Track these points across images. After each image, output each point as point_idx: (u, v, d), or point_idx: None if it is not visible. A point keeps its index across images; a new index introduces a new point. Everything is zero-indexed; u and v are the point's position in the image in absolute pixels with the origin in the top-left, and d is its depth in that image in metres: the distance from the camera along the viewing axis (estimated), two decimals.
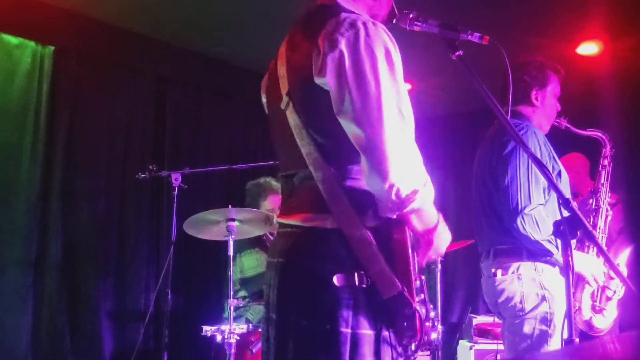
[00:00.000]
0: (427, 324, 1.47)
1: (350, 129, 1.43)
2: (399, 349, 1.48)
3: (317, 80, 1.48)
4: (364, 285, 1.42)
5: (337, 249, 1.45)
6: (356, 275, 1.42)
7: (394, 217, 1.46)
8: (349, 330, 1.43)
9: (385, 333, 1.46)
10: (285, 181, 1.63)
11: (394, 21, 1.72)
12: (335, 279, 1.43)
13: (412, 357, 1.54)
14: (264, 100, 1.77)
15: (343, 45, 1.44)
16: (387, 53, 1.46)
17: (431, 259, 1.61)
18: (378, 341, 1.45)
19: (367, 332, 1.44)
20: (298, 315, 1.47)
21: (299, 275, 1.49)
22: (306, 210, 1.52)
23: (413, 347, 1.51)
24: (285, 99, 1.56)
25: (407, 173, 1.40)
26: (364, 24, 1.47)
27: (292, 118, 1.54)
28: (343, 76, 1.44)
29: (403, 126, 1.43)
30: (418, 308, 1.44)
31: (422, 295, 1.56)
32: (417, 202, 1.42)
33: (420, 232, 1.53)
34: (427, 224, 1.52)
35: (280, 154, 1.67)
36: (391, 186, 1.39)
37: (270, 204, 3.96)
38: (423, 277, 1.63)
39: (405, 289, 1.41)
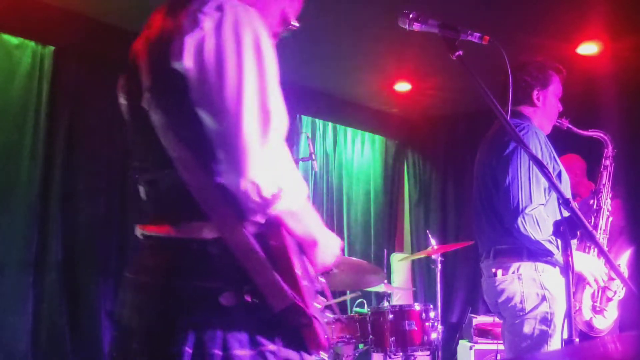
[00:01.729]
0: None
1: (207, 121, 1.28)
2: None
3: (176, 65, 1.29)
4: (253, 301, 1.28)
5: (220, 262, 1.29)
6: (244, 290, 1.28)
7: (263, 220, 1.31)
8: (246, 352, 1.29)
9: (272, 347, 1.31)
10: (149, 187, 1.45)
11: (290, 27, 1.60)
12: (223, 299, 1.27)
13: (412, 357, 1.52)
14: (122, 102, 1.51)
15: (206, 25, 1.28)
16: (256, 41, 1.29)
17: (326, 263, 1.51)
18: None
19: (243, 352, 1.29)
20: (179, 344, 1.26)
21: (180, 298, 1.29)
22: (178, 219, 1.34)
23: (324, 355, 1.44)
24: (147, 95, 1.37)
25: (268, 170, 1.26)
26: (234, 6, 1.31)
27: (157, 117, 1.35)
28: (202, 61, 1.27)
29: (267, 121, 1.27)
30: (317, 315, 1.34)
31: (323, 300, 1.51)
32: (283, 201, 1.29)
33: (299, 235, 1.41)
34: (306, 226, 1.40)
35: (141, 157, 1.46)
36: (250, 184, 1.25)
37: None
38: (323, 281, 1.59)
39: (297, 298, 1.29)
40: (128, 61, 1.47)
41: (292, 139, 5.41)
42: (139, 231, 1.43)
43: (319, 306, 1.45)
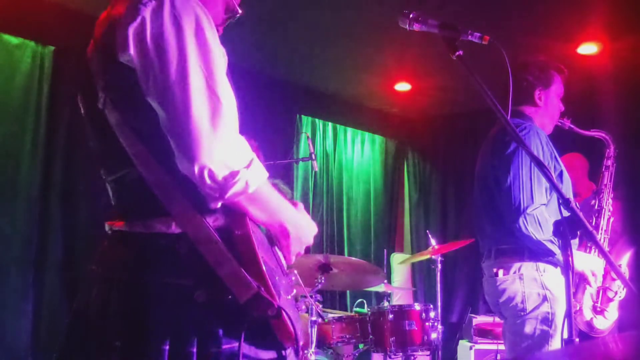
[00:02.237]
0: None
1: (158, 110, 1.27)
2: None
3: (122, 58, 1.29)
4: (224, 296, 1.26)
5: (186, 257, 1.29)
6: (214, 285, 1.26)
7: (219, 206, 1.29)
8: (219, 350, 1.28)
9: (245, 345, 1.30)
10: (114, 186, 1.44)
11: (237, 16, 1.60)
12: (197, 294, 1.27)
13: (412, 357, 1.52)
14: (82, 112, 1.54)
15: (145, 14, 1.28)
16: (198, 25, 1.29)
17: (299, 252, 1.48)
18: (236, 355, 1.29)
19: (217, 350, 1.28)
20: (157, 340, 1.26)
21: (152, 295, 1.28)
22: (145, 214, 1.33)
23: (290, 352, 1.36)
24: (101, 95, 1.37)
25: (220, 153, 1.24)
26: None
27: (113, 116, 1.35)
28: (145, 50, 1.27)
29: (215, 104, 1.26)
30: (285, 306, 1.29)
31: (294, 292, 1.47)
32: (239, 184, 1.26)
33: (266, 222, 1.39)
34: (271, 211, 1.38)
35: (104, 158, 1.46)
36: (202, 168, 1.23)
37: None
38: (295, 273, 1.54)
39: (262, 288, 1.25)
40: (81, 71, 1.48)
41: (292, 138, 5.41)
42: (107, 226, 1.42)
43: (289, 297, 1.41)
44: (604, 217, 2.93)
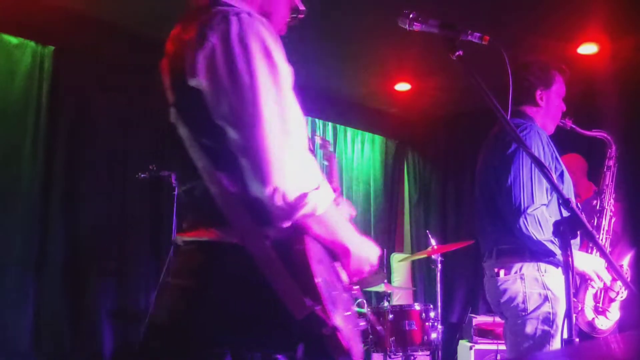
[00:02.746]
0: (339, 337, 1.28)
1: (229, 132, 1.31)
2: None
3: (192, 82, 1.35)
4: (278, 309, 1.27)
5: (243, 270, 1.31)
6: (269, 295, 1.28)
7: (288, 225, 1.32)
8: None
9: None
10: (186, 196, 1.48)
11: (301, 17, 1.62)
12: (251, 307, 1.31)
13: (412, 357, 1.52)
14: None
15: (214, 40, 1.32)
16: (264, 47, 1.32)
17: (362, 272, 1.49)
18: None
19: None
20: (218, 348, 1.33)
21: (212, 302, 1.34)
22: (208, 225, 1.38)
23: None
24: (172, 110, 1.45)
25: (291, 175, 1.28)
26: (237, 15, 1.34)
27: (183, 130, 1.42)
28: (215, 74, 1.32)
29: (286, 127, 1.30)
30: (339, 325, 1.28)
31: (354, 309, 1.49)
32: (308, 206, 1.30)
33: (328, 240, 1.40)
34: (334, 231, 1.40)
35: (178, 167, 1.54)
36: (274, 190, 1.27)
37: None
38: (355, 288, 1.56)
39: (318, 307, 1.26)
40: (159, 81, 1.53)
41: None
42: (178, 239, 1.47)
43: (349, 313, 1.43)
44: (605, 218, 2.93)
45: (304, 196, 1.29)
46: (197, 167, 1.37)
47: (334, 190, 1.59)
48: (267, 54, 1.32)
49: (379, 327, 3.61)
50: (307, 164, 1.33)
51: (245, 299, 1.32)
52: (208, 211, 1.37)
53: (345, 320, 1.36)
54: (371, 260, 1.50)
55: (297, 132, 1.32)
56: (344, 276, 1.49)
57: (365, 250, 1.48)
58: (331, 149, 2.09)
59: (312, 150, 1.84)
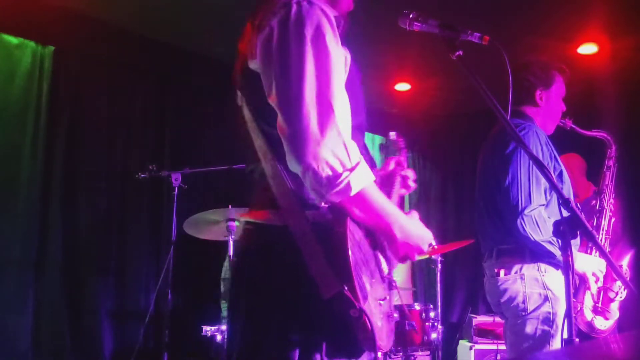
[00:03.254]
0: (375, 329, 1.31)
1: (277, 112, 1.38)
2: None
3: (252, 65, 1.43)
4: (311, 289, 1.31)
5: (283, 248, 1.37)
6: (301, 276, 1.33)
7: (326, 205, 1.36)
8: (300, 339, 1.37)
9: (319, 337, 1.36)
10: (250, 177, 1.55)
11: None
12: (282, 281, 1.37)
13: (412, 357, 1.52)
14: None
15: (273, 25, 1.39)
16: (318, 33, 1.38)
17: (411, 257, 1.47)
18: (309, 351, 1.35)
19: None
20: (250, 318, 1.42)
21: (247, 278, 1.44)
22: (261, 206, 1.45)
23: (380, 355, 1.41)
24: (239, 94, 1.55)
25: (325, 155, 1.31)
26: (298, 2, 1.40)
27: (246, 112, 1.51)
28: (269, 57, 1.38)
29: (327, 111, 1.34)
30: (368, 309, 1.30)
31: (390, 299, 1.47)
32: (341, 186, 1.31)
33: (370, 224, 1.41)
34: (375, 214, 1.39)
35: (245, 150, 1.58)
36: (306, 168, 1.31)
37: None
38: (391, 276, 1.53)
39: (347, 288, 1.28)
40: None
41: None
42: (241, 219, 1.57)
43: (382, 302, 1.42)
44: (605, 218, 2.93)
45: (337, 176, 1.31)
46: (256, 149, 1.45)
47: (407, 189, 1.74)
48: (321, 40, 1.37)
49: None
50: (342, 147, 1.34)
51: (284, 280, 1.37)
52: (263, 193, 1.44)
53: (376, 308, 1.37)
54: (421, 245, 1.47)
55: (335, 117, 1.34)
56: (384, 265, 1.49)
57: (414, 235, 1.45)
58: (402, 145, 2.07)
59: (386, 148, 1.89)
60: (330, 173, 1.31)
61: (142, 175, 3.77)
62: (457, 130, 6.43)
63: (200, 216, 3.38)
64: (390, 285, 1.52)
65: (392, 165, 1.92)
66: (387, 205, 1.42)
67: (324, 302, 1.29)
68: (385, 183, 1.83)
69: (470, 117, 6.06)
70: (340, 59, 1.41)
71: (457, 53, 1.61)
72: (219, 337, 3.23)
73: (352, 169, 1.33)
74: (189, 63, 4.96)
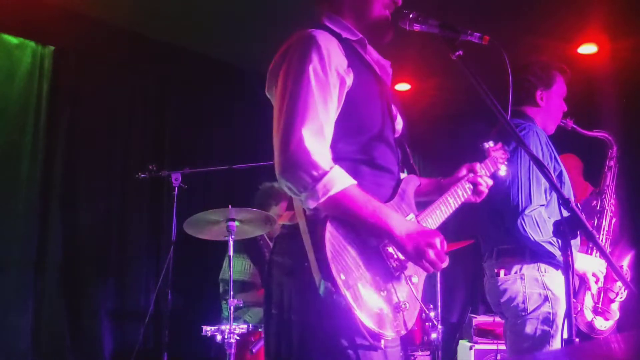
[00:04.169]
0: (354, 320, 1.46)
1: None
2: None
3: (267, 94, 1.69)
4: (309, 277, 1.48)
5: (298, 245, 1.54)
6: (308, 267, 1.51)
7: (314, 206, 1.52)
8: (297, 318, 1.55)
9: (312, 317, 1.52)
10: None
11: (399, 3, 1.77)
12: (297, 274, 1.54)
13: (412, 357, 1.55)
14: None
15: (277, 57, 1.62)
16: (303, 67, 1.54)
17: (424, 253, 1.52)
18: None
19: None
20: (272, 306, 1.62)
21: (275, 272, 1.64)
22: (288, 209, 1.67)
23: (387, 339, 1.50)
24: None
25: (294, 168, 1.49)
26: (303, 39, 1.58)
27: None
28: (273, 85, 1.63)
29: (294, 132, 1.50)
30: (353, 295, 1.45)
31: (392, 289, 1.56)
32: (311, 193, 1.49)
33: (361, 224, 1.52)
34: (356, 214, 1.51)
35: None
36: (284, 182, 1.52)
37: (279, 210, 3.97)
38: (407, 274, 1.60)
39: (325, 277, 1.45)
40: None
41: None
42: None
43: (383, 292, 1.53)
44: (606, 218, 2.92)
45: (305, 185, 1.49)
46: None
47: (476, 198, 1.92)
48: (304, 73, 1.54)
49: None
50: (311, 159, 1.49)
51: (293, 271, 1.56)
52: (289, 198, 1.64)
53: (368, 296, 1.49)
54: (428, 240, 1.54)
55: (308, 134, 1.50)
56: (395, 258, 1.58)
57: (413, 231, 1.54)
58: (493, 154, 2.07)
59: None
60: (298, 184, 1.50)
61: (142, 175, 3.76)
62: (457, 131, 6.43)
63: (200, 216, 3.37)
64: (399, 279, 1.59)
65: (463, 172, 1.95)
66: (369, 206, 1.52)
67: (316, 289, 1.46)
68: (443, 190, 1.90)
69: (470, 117, 6.06)
70: (324, 86, 1.55)
71: (457, 53, 1.61)
72: (219, 337, 3.23)
73: (319, 178, 1.48)
74: (189, 63, 4.97)
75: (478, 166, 1.95)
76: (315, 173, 1.49)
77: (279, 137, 1.53)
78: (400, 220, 1.55)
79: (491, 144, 2.09)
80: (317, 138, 1.52)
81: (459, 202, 1.90)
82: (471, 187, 1.91)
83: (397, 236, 1.52)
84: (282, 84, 1.58)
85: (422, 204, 1.83)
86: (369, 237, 1.55)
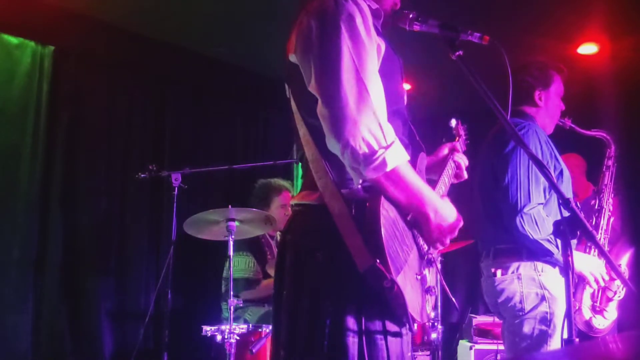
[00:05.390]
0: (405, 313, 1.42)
1: (315, 100, 1.47)
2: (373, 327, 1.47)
3: (291, 58, 1.55)
4: (349, 263, 1.41)
5: (320, 225, 1.48)
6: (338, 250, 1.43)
7: (363, 184, 1.46)
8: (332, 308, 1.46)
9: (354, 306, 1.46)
10: (300, 164, 1.67)
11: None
12: (318, 256, 1.47)
13: (412, 357, 1.55)
14: None
15: (309, 18, 1.50)
16: (351, 24, 1.47)
17: (442, 241, 1.54)
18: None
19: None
20: (289, 292, 1.54)
21: (289, 253, 1.56)
22: (305, 188, 1.58)
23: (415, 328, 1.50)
24: (286, 87, 1.65)
25: (362, 133, 1.40)
26: None
27: (292, 103, 1.61)
28: (307, 47, 1.50)
29: (360, 93, 1.43)
30: (402, 281, 1.39)
31: (426, 274, 1.55)
32: (376, 162, 1.40)
33: (405, 203, 1.47)
34: (409, 192, 1.46)
35: (295, 139, 1.69)
36: (345, 146, 1.40)
37: (281, 200, 3.97)
38: (431, 254, 1.60)
39: (379, 261, 1.36)
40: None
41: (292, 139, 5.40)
42: (293, 201, 1.66)
43: (418, 277, 1.51)
44: (604, 217, 2.93)
45: (373, 152, 1.39)
46: (300, 136, 1.57)
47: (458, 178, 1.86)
48: (354, 30, 1.46)
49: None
50: (378, 126, 1.42)
51: (324, 256, 1.47)
52: (308, 177, 1.56)
53: (412, 281, 1.47)
54: (453, 229, 1.54)
55: (371, 99, 1.43)
56: (421, 240, 1.55)
57: (446, 218, 1.52)
58: (462, 133, 2.13)
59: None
60: (366, 150, 1.39)
61: (142, 175, 3.77)
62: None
63: (200, 216, 3.37)
64: (430, 263, 1.59)
65: (445, 151, 1.99)
66: (421, 186, 1.48)
67: (360, 275, 1.38)
68: (435, 169, 1.90)
69: (470, 117, 6.04)
70: (372, 47, 1.49)
71: (457, 53, 1.62)
72: (219, 337, 3.23)
73: (387, 147, 1.41)
74: (189, 63, 4.96)
75: (458, 145, 2.00)
76: (383, 141, 1.42)
77: (340, 99, 1.41)
78: (441, 204, 1.52)
79: (454, 122, 2.17)
80: (381, 105, 1.46)
81: (451, 182, 1.92)
82: (454, 166, 1.93)
83: (431, 223, 1.50)
84: (331, 42, 1.46)
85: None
86: (405, 218, 1.51)
